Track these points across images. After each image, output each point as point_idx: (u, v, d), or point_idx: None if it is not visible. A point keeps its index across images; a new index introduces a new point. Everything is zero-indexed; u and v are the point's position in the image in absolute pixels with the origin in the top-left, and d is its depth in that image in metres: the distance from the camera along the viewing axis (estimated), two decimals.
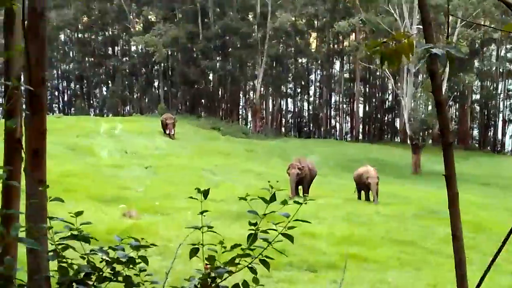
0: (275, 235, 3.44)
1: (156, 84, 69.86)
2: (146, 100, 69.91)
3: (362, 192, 24.49)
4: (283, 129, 73.34)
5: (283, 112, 74.53)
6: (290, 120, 75.87)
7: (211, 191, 3.67)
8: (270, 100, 71.51)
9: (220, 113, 68.24)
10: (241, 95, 72.91)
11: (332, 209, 20.43)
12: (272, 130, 65.10)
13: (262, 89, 65.36)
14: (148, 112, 63.60)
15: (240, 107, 73.24)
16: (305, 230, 14.83)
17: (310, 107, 74.43)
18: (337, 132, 73.29)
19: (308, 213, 17.41)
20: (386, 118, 72.69)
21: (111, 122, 45.51)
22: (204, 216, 3.67)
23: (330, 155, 45.65)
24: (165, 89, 67.39)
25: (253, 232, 3.47)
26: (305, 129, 73.74)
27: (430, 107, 46.04)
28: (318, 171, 27.88)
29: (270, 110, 71.13)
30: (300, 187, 24.81)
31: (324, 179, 31.24)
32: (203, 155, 36.23)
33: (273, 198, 3.44)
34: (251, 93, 71.03)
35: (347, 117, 73.75)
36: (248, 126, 66.11)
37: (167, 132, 42.71)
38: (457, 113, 66.22)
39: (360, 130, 70.23)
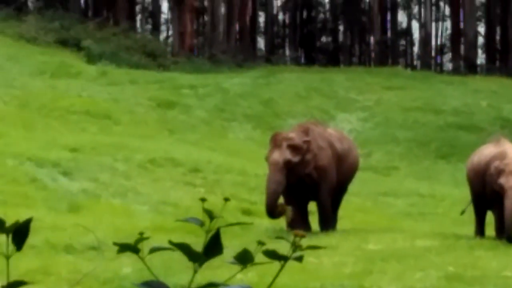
0: None
1: None
2: None
3: (489, 217, 9.34)
4: (260, 43, 32.76)
5: None
6: (280, 16, 34.35)
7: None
8: None
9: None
10: None
11: (409, 266, 7.10)
12: (230, 45, 28.96)
13: None
14: None
15: None
16: None
17: None
18: (420, 46, 31.29)
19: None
20: None
21: None
22: None
23: (404, 113, 20.08)
24: None
25: None
26: (323, 39, 33.41)
27: None
28: (371, 157, 15.95)
29: None
30: (312, 203, 10.01)
31: (386, 183, 14.96)
32: (36, 126, 15.52)
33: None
34: None
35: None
36: (164, 37, 32.81)
37: None
38: None
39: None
